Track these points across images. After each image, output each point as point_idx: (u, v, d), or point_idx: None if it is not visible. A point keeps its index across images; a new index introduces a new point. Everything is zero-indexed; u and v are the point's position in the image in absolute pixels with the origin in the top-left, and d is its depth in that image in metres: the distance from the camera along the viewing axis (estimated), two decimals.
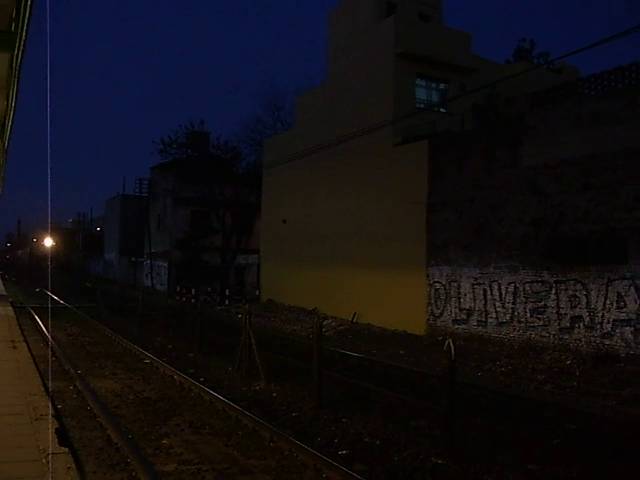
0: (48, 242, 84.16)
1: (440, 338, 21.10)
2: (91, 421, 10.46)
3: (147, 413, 11.22)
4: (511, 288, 20.41)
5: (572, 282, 18.51)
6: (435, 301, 23.50)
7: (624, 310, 17.05)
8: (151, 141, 54.45)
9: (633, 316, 16.79)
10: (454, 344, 8.92)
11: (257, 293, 38.77)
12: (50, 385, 11.92)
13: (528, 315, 19.77)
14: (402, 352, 20.49)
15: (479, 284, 21.61)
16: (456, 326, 22.38)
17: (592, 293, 17.90)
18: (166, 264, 52.78)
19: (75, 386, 13.23)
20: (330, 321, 27.23)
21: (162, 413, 11.23)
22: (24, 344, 17.21)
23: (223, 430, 10.18)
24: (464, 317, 22.16)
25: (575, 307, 18.35)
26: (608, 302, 17.47)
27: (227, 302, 38.52)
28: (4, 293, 41.38)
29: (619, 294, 17.20)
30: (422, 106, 27.88)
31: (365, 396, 12.98)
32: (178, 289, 45.94)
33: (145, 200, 58.30)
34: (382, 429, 10.30)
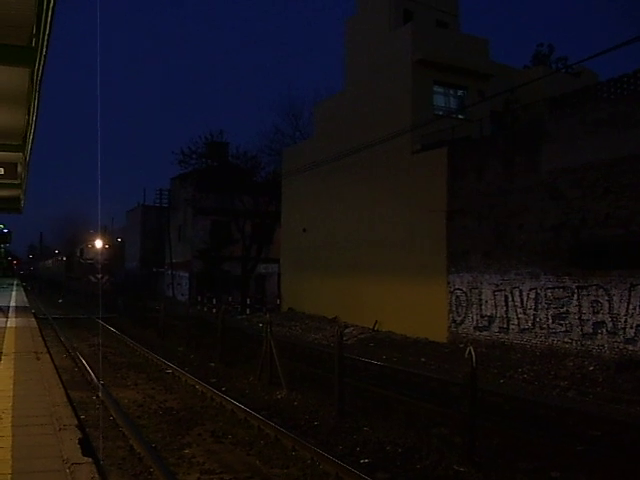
0: (99, 244, 68.94)
1: (462, 345, 21.00)
2: (114, 431, 10.52)
3: (169, 423, 11.26)
4: (532, 294, 20.29)
5: (594, 287, 18.38)
6: (456, 308, 23.41)
7: None
8: (171, 152, 54.81)
9: None
10: (476, 351, 8.90)
11: (278, 302, 38.76)
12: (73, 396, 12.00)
13: (550, 321, 19.64)
14: (423, 360, 20.43)
15: (500, 291, 21.51)
16: (478, 333, 22.28)
17: (614, 298, 17.75)
18: (187, 274, 52.94)
19: (98, 396, 13.32)
20: (351, 329, 27.20)
21: (184, 423, 11.27)
22: (47, 355, 17.33)
23: (245, 439, 10.21)
24: (486, 324, 22.05)
25: (597, 313, 18.21)
26: (631, 307, 17.31)
27: (248, 311, 38.61)
28: (27, 304, 41.70)
29: None
30: (440, 113, 27.84)
31: (387, 404, 12.95)
32: (199, 299, 46.06)
33: (165, 210, 58.55)
34: (404, 437, 10.27)
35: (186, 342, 22.60)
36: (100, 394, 13.38)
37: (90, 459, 7.56)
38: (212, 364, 18.46)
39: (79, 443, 8.24)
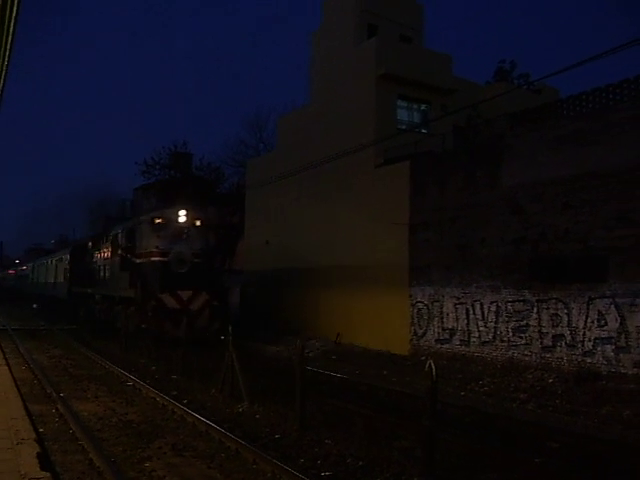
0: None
1: (423, 358, 21.12)
2: (73, 445, 10.40)
3: (130, 436, 11.17)
4: (493, 307, 20.51)
5: (553, 301, 18.64)
6: (418, 321, 23.56)
7: (605, 328, 17.17)
8: (134, 162, 54.41)
9: (614, 334, 16.91)
10: (437, 364, 8.98)
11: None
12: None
13: (510, 334, 19.86)
14: (385, 372, 20.51)
15: (461, 304, 21.70)
16: (439, 346, 22.44)
17: (573, 312, 18.02)
18: None
19: (57, 409, 13.16)
20: (313, 342, 27.18)
21: (145, 436, 11.19)
22: (5, 367, 17.11)
23: (206, 452, 10.16)
24: (447, 337, 22.22)
25: (557, 326, 18.46)
26: (589, 320, 17.59)
27: None
28: None
29: (600, 312, 17.33)
30: (403, 127, 28.10)
31: (348, 417, 12.97)
32: None
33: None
34: (365, 450, 10.30)
35: (147, 354, 22.41)
36: (59, 407, 13.24)
37: (48, 474, 7.50)
38: (174, 377, 18.34)
39: (37, 457, 8.16)
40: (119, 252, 28.72)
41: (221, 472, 9.15)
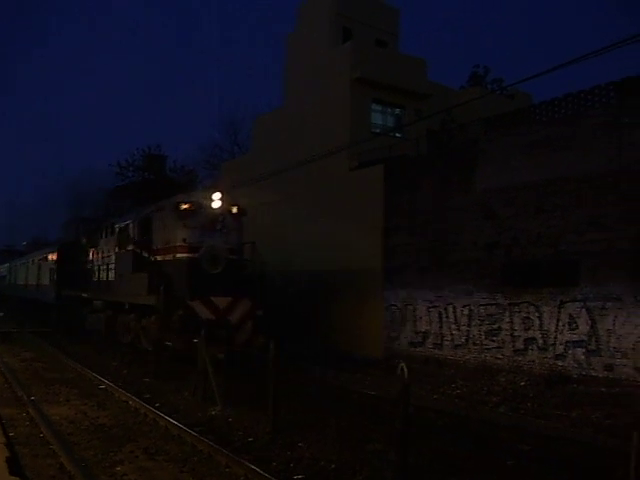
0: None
1: (397, 361, 21.12)
2: (44, 449, 10.31)
3: (101, 440, 11.09)
4: (466, 311, 20.62)
5: (525, 304, 18.79)
6: (391, 324, 23.61)
7: (576, 332, 17.34)
8: (108, 164, 54.20)
9: (585, 337, 17.08)
10: (410, 367, 8.99)
11: None
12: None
13: (483, 337, 19.98)
14: (359, 375, 20.52)
15: (435, 307, 21.79)
16: (412, 349, 22.50)
17: (545, 315, 18.18)
18: None
19: (28, 413, 13.04)
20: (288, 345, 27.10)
21: (117, 440, 11.12)
22: None
23: (178, 456, 10.12)
24: (420, 340, 22.29)
25: (528, 329, 18.61)
26: (560, 324, 17.75)
27: None
28: None
29: (571, 316, 17.50)
30: (378, 131, 28.18)
31: (322, 420, 12.98)
32: None
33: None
34: (338, 453, 10.32)
35: (120, 357, 22.26)
36: (30, 410, 13.11)
37: (18, 478, 7.42)
38: (146, 380, 18.23)
39: (6, 462, 8.08)
40: (130, 248, 23.65)
41: (193, 476, 9.12)
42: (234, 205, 21.67)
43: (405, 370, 8.55)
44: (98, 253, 28.43)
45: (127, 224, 24.35)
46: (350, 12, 30.42)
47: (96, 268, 28.24)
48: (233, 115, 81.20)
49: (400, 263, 23.43)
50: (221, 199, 20.99)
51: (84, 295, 29.65)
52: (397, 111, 29.92)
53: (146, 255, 22.03)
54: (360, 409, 14.66)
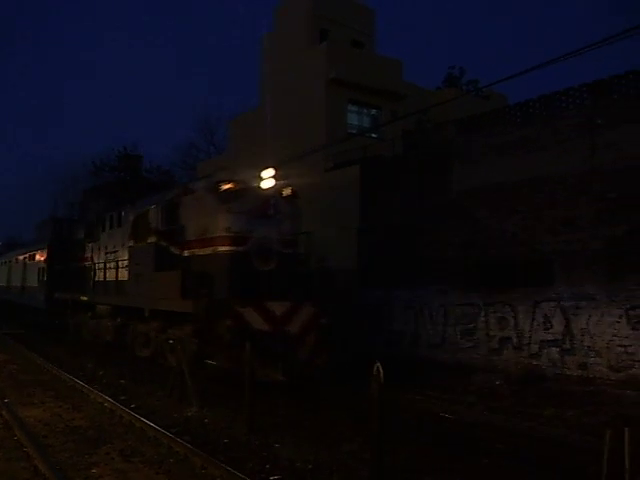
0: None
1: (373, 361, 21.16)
2: (18, 452, 10.19)
3: (76, 442, 10.98)
4: (442, 311, 20.70)
5: (500, 304, 18.91)
6: (367, 324, 23.61)
7: (550, 331, 17.48)
8: (82, 165, 53.79)
9: (559, 336, 17.23)
10: (386, 367, 8.99)
11: None
12: None
13: (459, 337, 20.07)
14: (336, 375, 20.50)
15: (410, 307, 21.85)
16: (387, 349, 22.52)
17: (520, 315, 18.30)
18: None
19: (1, 415, 12.89)
20: None
21: (92, 441, 11.01)
22: None
23: (154, 458, 10.04)
24: (396, 340, 22.32)
25: (504, 329, 18.73)
26: (535, 323, 17.89)
27: None
28: None
29: (546, 315, 17.64)
30: (354, 131, 28.23)
31: (298, 420, 12.95)
32: None
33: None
34: (314, 453, 10.30)
35: (96, 358, 22.07)
36: (4, 413, 12.97)
37: None
38: (122, 381, 18.09)
39: None
40: (151, 240, 19.16)
41: (169, 477, 9.06)
42: (289, 186, 18.26)
43: (381, 370, 8.56)
44: (100, 248, 24.49)
45: (146, 211, 19.85)
46: (327, 13, 30.51)
47: (98, 266, 24.27)
48: (208, 115, 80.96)
49: (376, 263, 23.46)
50: (274, 177, 17.66)
51: (83, 298, 25.62)
52: (373, 112, 30.03)
53: (174, 249, 18.01)
54: (337, 409, 14.64)
